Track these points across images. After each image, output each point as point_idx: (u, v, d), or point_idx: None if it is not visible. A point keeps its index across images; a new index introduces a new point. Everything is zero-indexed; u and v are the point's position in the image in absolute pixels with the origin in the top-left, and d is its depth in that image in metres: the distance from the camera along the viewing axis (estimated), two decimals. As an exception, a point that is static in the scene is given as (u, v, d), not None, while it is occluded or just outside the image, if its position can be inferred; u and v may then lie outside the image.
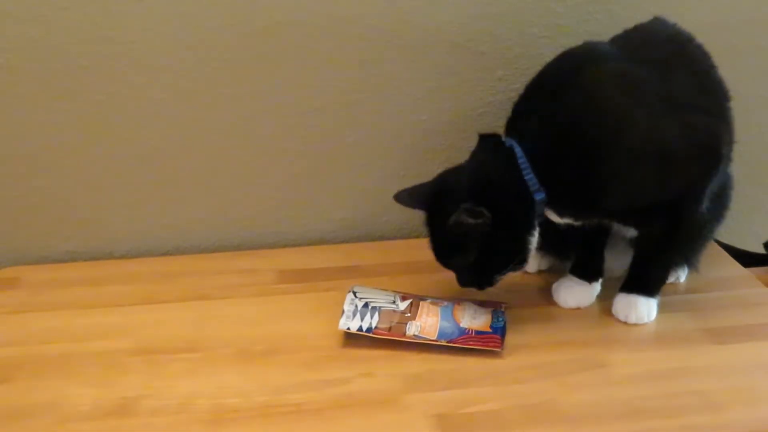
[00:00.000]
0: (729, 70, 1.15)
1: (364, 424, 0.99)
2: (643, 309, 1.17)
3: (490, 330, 1.13)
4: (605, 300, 1.21)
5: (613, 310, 1.19)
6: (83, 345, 1.12)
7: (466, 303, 1.18)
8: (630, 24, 1.22)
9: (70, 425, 0.98)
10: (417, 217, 1.42)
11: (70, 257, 1.36)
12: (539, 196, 1.10)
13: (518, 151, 1.10)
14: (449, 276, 1.27)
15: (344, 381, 1.05)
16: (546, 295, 1.23)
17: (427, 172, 1.39)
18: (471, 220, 1.07)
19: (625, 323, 1.17)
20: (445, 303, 1.18)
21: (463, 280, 1.16)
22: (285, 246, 1.41)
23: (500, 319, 1.15)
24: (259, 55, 1.28)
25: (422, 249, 1.36)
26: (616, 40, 1.18)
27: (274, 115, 1.32)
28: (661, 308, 1.19)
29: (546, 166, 1.09)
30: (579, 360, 1.09)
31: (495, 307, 1.18)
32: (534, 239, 1.12)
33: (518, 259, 1.12)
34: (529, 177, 1.09)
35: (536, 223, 1.12)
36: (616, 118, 1.08)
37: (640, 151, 1.08)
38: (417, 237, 1.43)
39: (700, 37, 1.21)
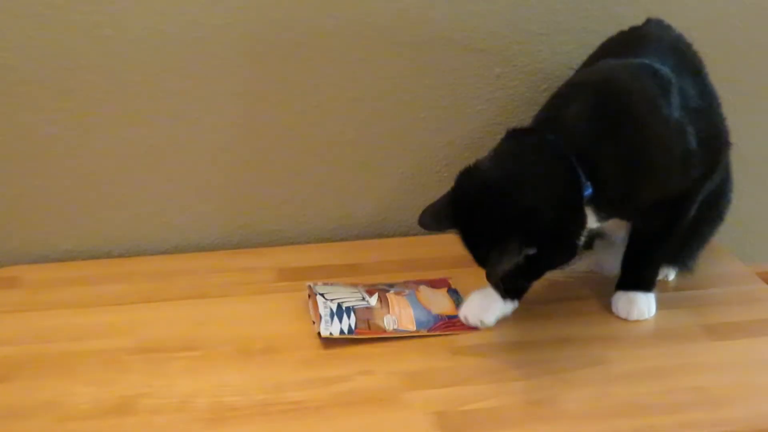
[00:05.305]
0: (728, 71, 1.15)
1: (363, 422, 0.99)
2: (644, 305, 1.18)
3: (457, 313, 1.15)
4: (602, 297, 1.21)
5: (614, 309, 1.19)
6: (83, 344, 1.12)
7: (422, 287, 1.21)
8: (626, 21, 1.23)
9: (70, 424, 0.98)
10: (415, 216, 1.43)
11: (69, 256, 1.36)
12: (587, 192, 1.05)
13: (563, 145, 1.05)
14: (446, 274, 1.28)
15: (344, 379, 1.05)
16: (544, 292, 1.23)
17: (426, 170, 1.40)
18: (513, 257, 1.01)
19: (626, 320, 1.17)
20: (407, 291, 1.19)
21: (495, 282, 1.10)
22: (284, 244, 1.41)
23: (459, 297, 1.18)
24: (258, 54, 1.28)
25: (421, 247, 1.37)
26: (623, 43, 1.19)
27: (273, 114, 1.32)
28: (660, 305, 1.19)
29: (592, 162, 1.05)
30: (578, 357, 1.09)
31: (446, 286, 1.21)
32: (583, 237, 1.07)
33: (565, 261, 1.09)
34: (579, 173, 1.04)
35: (586, 220, 1.07)
36: (658, 115, 1.09)
37: (672, 146, 1.09)
38: (415, 235, 1.43)
39: (699, 37, 1.21)
